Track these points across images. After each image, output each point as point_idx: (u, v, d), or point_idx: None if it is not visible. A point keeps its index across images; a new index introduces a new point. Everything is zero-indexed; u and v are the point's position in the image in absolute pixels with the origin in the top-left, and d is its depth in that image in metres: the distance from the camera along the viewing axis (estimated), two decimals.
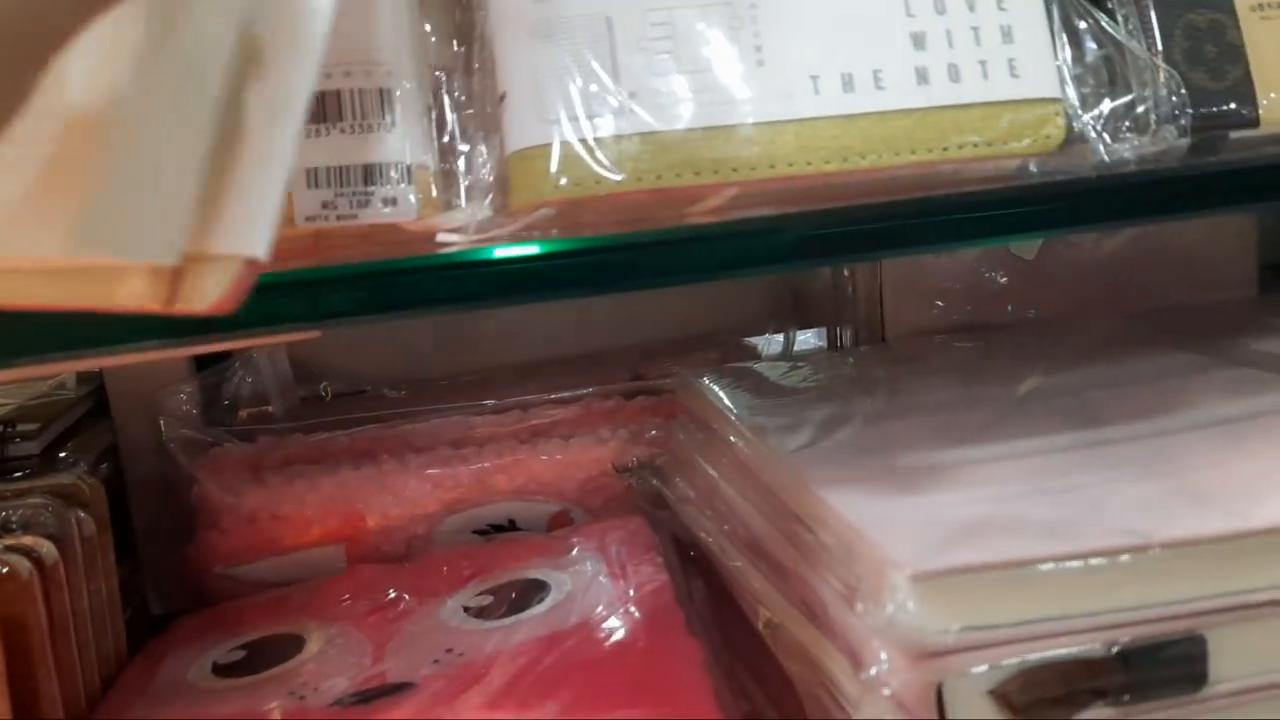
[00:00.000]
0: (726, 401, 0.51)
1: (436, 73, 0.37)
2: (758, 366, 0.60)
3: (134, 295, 0.26)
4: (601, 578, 0.49)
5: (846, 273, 0.65)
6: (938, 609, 0.29)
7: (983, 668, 0.29)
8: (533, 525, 0.60)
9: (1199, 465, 0.35)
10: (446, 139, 0.36)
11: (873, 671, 0.30)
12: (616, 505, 0.60)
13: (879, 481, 0.37)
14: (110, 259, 0.25)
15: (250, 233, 0.26)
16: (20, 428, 0.54)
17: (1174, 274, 0.64)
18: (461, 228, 0.35)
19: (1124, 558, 0.30)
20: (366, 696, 0.42)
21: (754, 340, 0.73)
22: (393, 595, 0.51)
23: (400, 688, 0.42)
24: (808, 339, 0.74)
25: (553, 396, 0.62)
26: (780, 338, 0.74)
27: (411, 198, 0.35)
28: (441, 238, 0.35)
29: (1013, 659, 0.29)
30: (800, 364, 0.59)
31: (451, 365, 0.72)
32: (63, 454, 0.56)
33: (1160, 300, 0.63)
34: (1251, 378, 0.46)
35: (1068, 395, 0.46)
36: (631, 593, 0.47)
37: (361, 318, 0.36)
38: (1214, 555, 0.30)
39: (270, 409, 0.62)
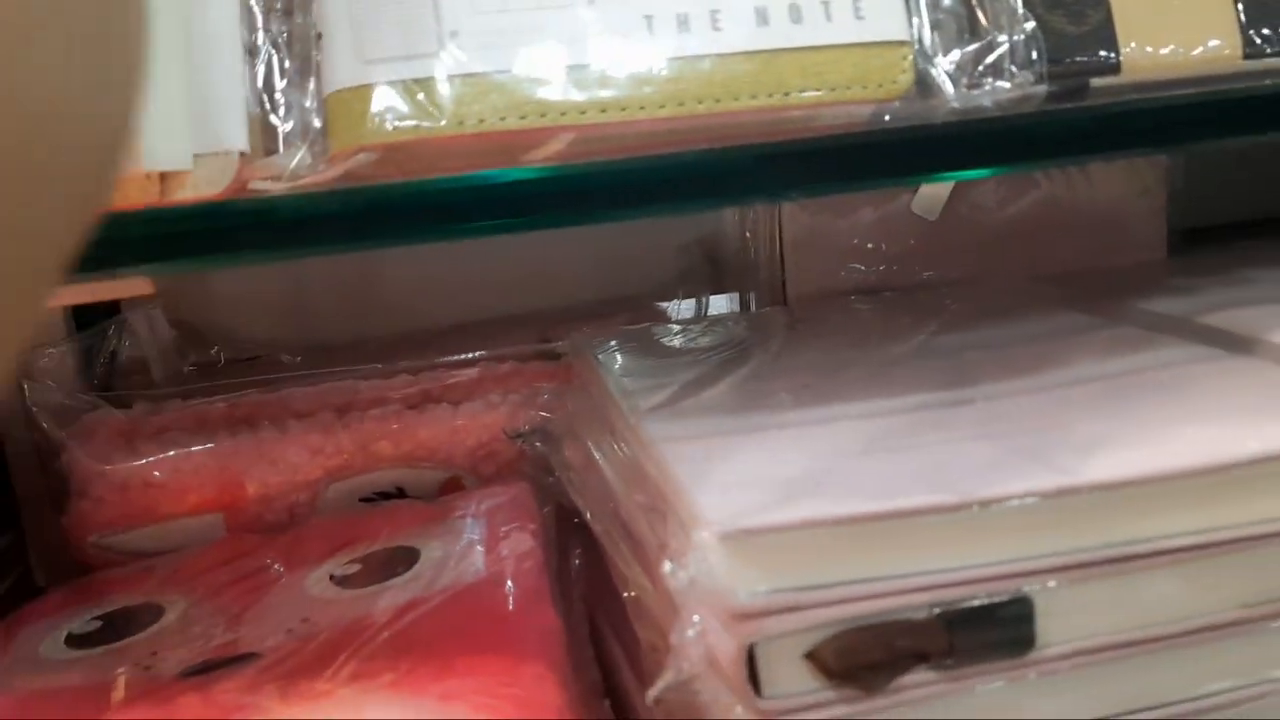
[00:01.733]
0: (605, 363, 0.49)
1: (255, 11, 0.35)
2: (654, 329, 0.59)
3: (134, 195, 0.31)
4: (473, 545, 0.48)
5: (748, 234, 0.64)
6: (748, 568, 0.28)
7: (795, 629, 0.28)
8: (423, 493, 0.58)
9: (1045, 424, 0.34)
10: (263, 83, 0.34)
11: (686, 633, 0.28)
12: (509, 472, 0.58)
13: (718, 439, 0.35)
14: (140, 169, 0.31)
15: (237, 129, 0.32)
16: None
17: (1082, 237, 0.63)
18: (276, 174, 0.33)
19: (938, 517, 0.28)
20: (208, 667, 0.40)
21: (665, 305, 0.72)
22: (263, 564, 0.50)
23: (245, 658, 0.41)
24: (720, 303, 0.72)
25: (444, 360, 0.61)
26: (693, 302, 0.73)
27: None
28: (254, 185, 0.33)
29: (827, 621, 0.28)
30: (696, 326, 0.57)
31: (353, 331, 0.71)
32: None
33: (1068, 264, 0.62)
34: (1134, 337, 0.45)
35: (944, 356, 0.45)
36: (499, 561, 0.45)
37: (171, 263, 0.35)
38: (1039, 512, 0.29)
39: (150, 374, 0.60)
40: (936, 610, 0.29)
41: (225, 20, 0.33)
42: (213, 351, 0.67)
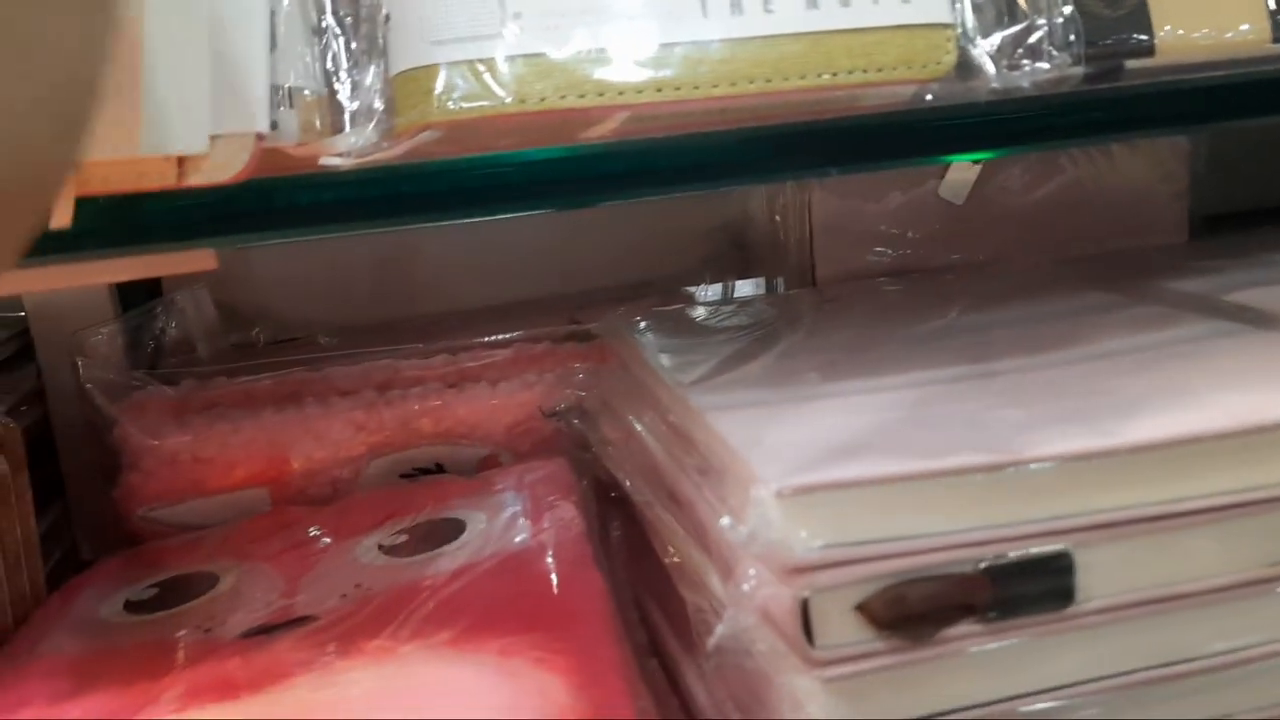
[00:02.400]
0: (643, 341, 0.51)
1: None
2: (687, 310, 0.60)
3: (152, 178, 0.31)
4: (517, 516, 0.49)
5: (778, 218, 0.65)
6: (803, 525, 0.29)
7: (847, 583, 0.29)
8: (461, 469, 0.60)
9: (1080, 391, 0.35)
10: (333, 62, 0.36)
11: (742, 587, 0.30)
12: (545, 449, 0.60)
13: (764, 408, 0.37)
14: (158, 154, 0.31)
15: (256, 110, 0.32)
16: None
17: (1105, 220, 0.64)
18: (344, 151, 0.35)
19: (984, 475, 0.30)
20: (269, 628, 0.42)
21: (693, 289, 0.73)
22: (311, 534, 0.51)
23: (302, 620, 0.42)
24: (746, 288, 0.74)
25: (482, 340, 0.62)
26: (720, 287, 0.74)
27: (293, 122, 0.35)
28: (324, 161, 0.35)
29: (877, 575, 0.30)
30: (727, 307, 0.59)
31: (389, 313, 0.72)
32: None
33: (1091, 246, 0.63)
34: (1158, 314, 0.46)
35: (973, 332, 0.46)
36: (543, 530, 0.47)
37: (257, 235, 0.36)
38: (1081, 472, 0.30)
39: (197, 353, 0.62)
40: (982, 564, 0.30)
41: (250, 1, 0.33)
42: (253, 333, 0.68)
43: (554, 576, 0.42)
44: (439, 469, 0.60)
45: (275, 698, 0.35)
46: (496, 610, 0.40)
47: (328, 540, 0.51)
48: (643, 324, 0.55)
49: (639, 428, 0.47)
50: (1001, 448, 0.31)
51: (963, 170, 0.61)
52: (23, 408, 0.59)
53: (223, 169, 0.32)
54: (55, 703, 0.38)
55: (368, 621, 0.40)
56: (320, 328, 0.69)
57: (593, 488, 0.53)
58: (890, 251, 0.63)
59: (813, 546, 0.29)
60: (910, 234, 0.63)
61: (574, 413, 0.59)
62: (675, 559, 0.42)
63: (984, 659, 0.30)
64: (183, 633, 0.43)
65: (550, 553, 0.45)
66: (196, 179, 0.32)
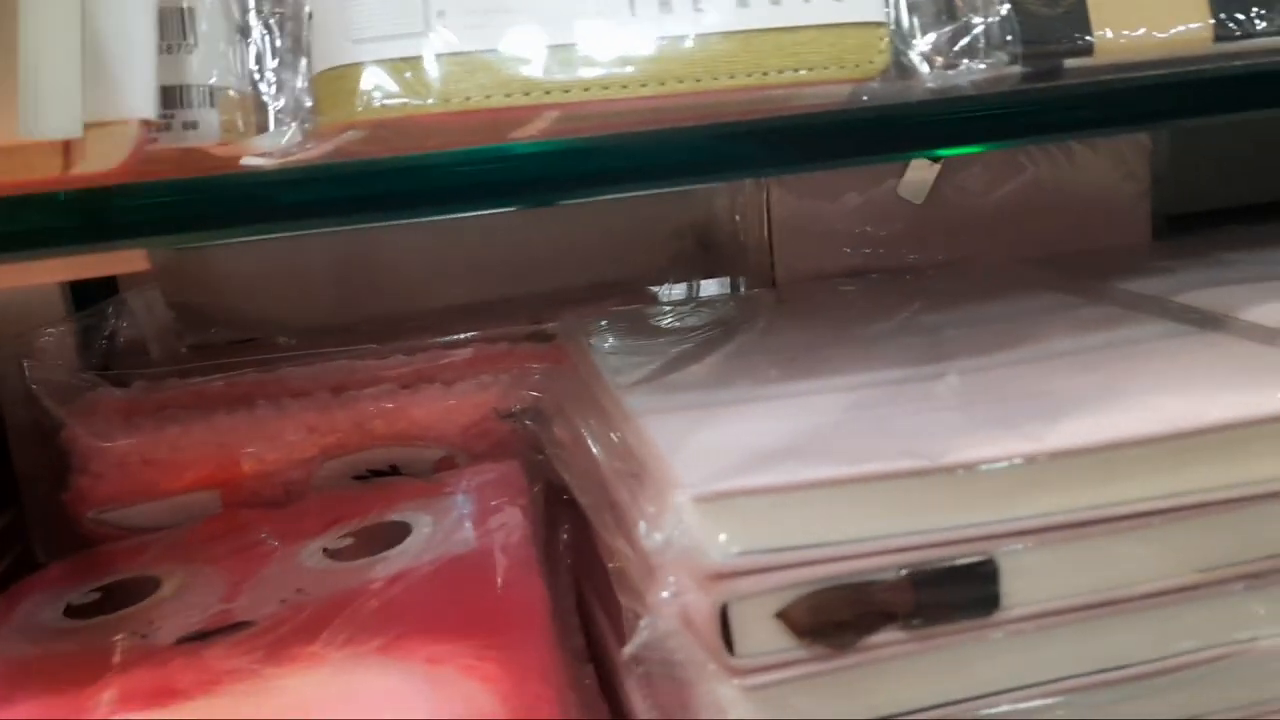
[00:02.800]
0: (593, 343, 0.50)
1: None
2: (645, 311, 0.60)
3: (39, 168, 0.30)
4: (463, 519, 0.49)
5: (738, 218, 0.65)
6: (721, 530, 0.29)
7: (766, 590, 0.29)
8: (417, 471, 0.59)
9: (1019, 394, 0.35)
10: (256, 61, 0.35)
11: (661, 594, 0.29)
12: (501, 451, 0.59)
13: (698, 411, 0.36)
14: (26, 139, 0.29)
15: (140, 97, 0.30)
16: None
17: (1067, 221, 0.64)
18: (267, 151, 0.34)
19: (909, 480, 0.29)
20: (204, 634, 0.41)
21: (657, 289, 0.73)
22: (259, 538, 0.51)
23: (239, 626, 0.42)
24: (712, 288, 0.73)
25: (439, 341, 0.62)
26: (684, 287, 0.74)
27: (214, 121, 0.34)
28: (246, 161, 0.34)
29: (798, 581, 0.29)
30: (685, 308, 0.58)
31: (350, 314, 0.72)
32: None
33: (1053, 247, 0.62)
34: (1110, 314, 0.46)
35: (925, 333, 0.45)
36: (488, 534, 0.46)
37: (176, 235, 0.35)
38: (1005, 478, 0.30)
39: (150, 354, 0.61)
40: (904, 571, 0.30)
41: None
42: (210, 333, 0.68)
43: (494, 582, 0.42)
44: (394, 470, 0.59)
45: (206, 705, 0.35)
46: (431, 616, 0.39)
47: (276, 544, 0.50)
48: (600, 325, 0.55)
49: (584, 432, 0.46)
50: (928, 452, 0.30)
51: (921, 169, 0.60)
52: None
53: (104, 158, 0.31)
54: None
55: (302, 628, 0.40)
56: (279, 329, 0.69)
57: (545, 491, 0.52)
58: (851, 251, 0.63)
59: (730, 553, 0.28)
60: (870, 234, 0.62)
61: (529, 414, 0.58)
62: (614, 564, 0.41)
63: (909, 666, 0.30)
64: (119, 638, 0.42)
65: (493, 558, 0.44)
66: (82, 168, 0.31)
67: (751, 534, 0.29)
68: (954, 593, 0.30)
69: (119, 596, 0.47)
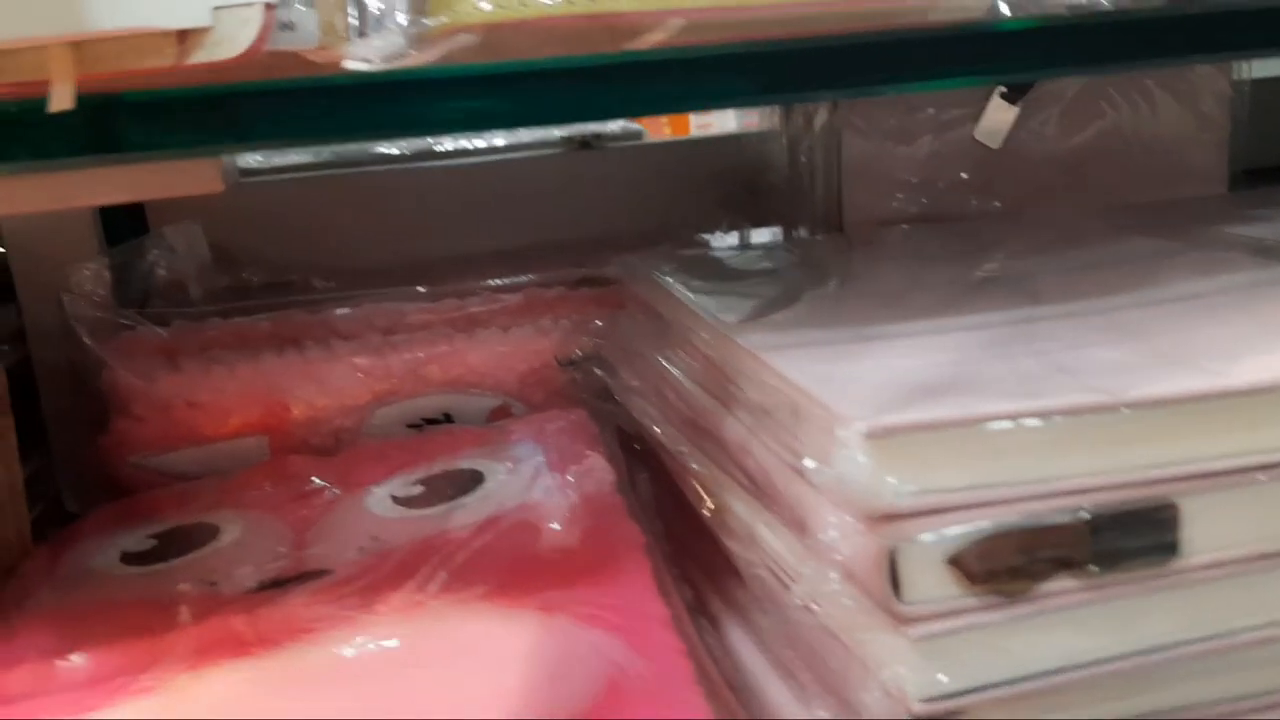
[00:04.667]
0: (674, 283, 0.48)
1: None
2: (711, 253, 0.57)
3: (158, 55, 0.27)
4: (540, 468, 0.46)
5: (803, 160, 0.62)
6: (892, 469, 0.26)
7: (940, 533, 0.27)
8: (470, 420, 0.57)
9: (1169, 331, 0.33)
10: None
11: (820, 537, 0.27)
12: (558, 399, 0.57)
13: (826, 348, 0.34)
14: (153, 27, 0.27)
15: None
16: None
17: (1141, 169, 0.61)
18: (370, 56, 0.31)
19: (1092, 416, 0.27)
20: (280, 582, 0.39)
21: (707, 237, 0.70)
22: (317, 485, 0.48)
23: (317, 574, 0.39)
24: (763, 235, 0.71)
25: (492, 284, 0.59)
26: (734, 235, 0.71)
27: (311, 23, 0.31)
28: (348, 65, 0.31)
29: (973, 524, 0.27)
30: (753, 251, 0.56)
31: (385, 258, 0.69)
32: None
33: (1127, 195, 0.60)
34: (1221, 259, 0.44)
35: (1033, 275, 0.43)
36: (571, 482, 0.44)
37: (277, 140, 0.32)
38: (1189, 416, 0.28)
39: (189, 293, 0.58)
40: (1083, 514, 0.27)
41: None
42: (242, 275, 0.64)
43: (591, 529, 0.40)
44: (447, 419, 0.57)
45: (295, 653, 0.32)
46: (530, 564, 0.37)
47: (335, 491, 0.48)
48: (667, 267, 0.52)
49: (675, 373, 0.44)
50: (1109, 388, 0.28)
51: (1000, 111, 0.58)
52: (2, 348, 0.55)
53: (227, 44, 0.28)
54: (50, 658, 0.35)
55: (391, 575, 0.38)
56: (315, 270, 0.66)
57: (615, 438, 0.50)
58: (921, 197, 0.60)
59: (904, 492, 0.26)
60: (943, 179, 0.60)
61: (592, 360, 0.56)
62: (715, 511, 0.39)
63: (1080, 616, 0.28)
64: (186, 586, 0.40)
65: (584, 505, 0.42)
66: (200, 56, 0.28)
67: (925, 473, 0.27)
68: (1132, 538, 0.28)
69: (177, 544, 0.45)
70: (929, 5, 0.34)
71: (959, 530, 0.27)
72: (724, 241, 0.70)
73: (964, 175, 0.60)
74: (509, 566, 0.37)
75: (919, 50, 0.33)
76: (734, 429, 0.36)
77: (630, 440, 0.50)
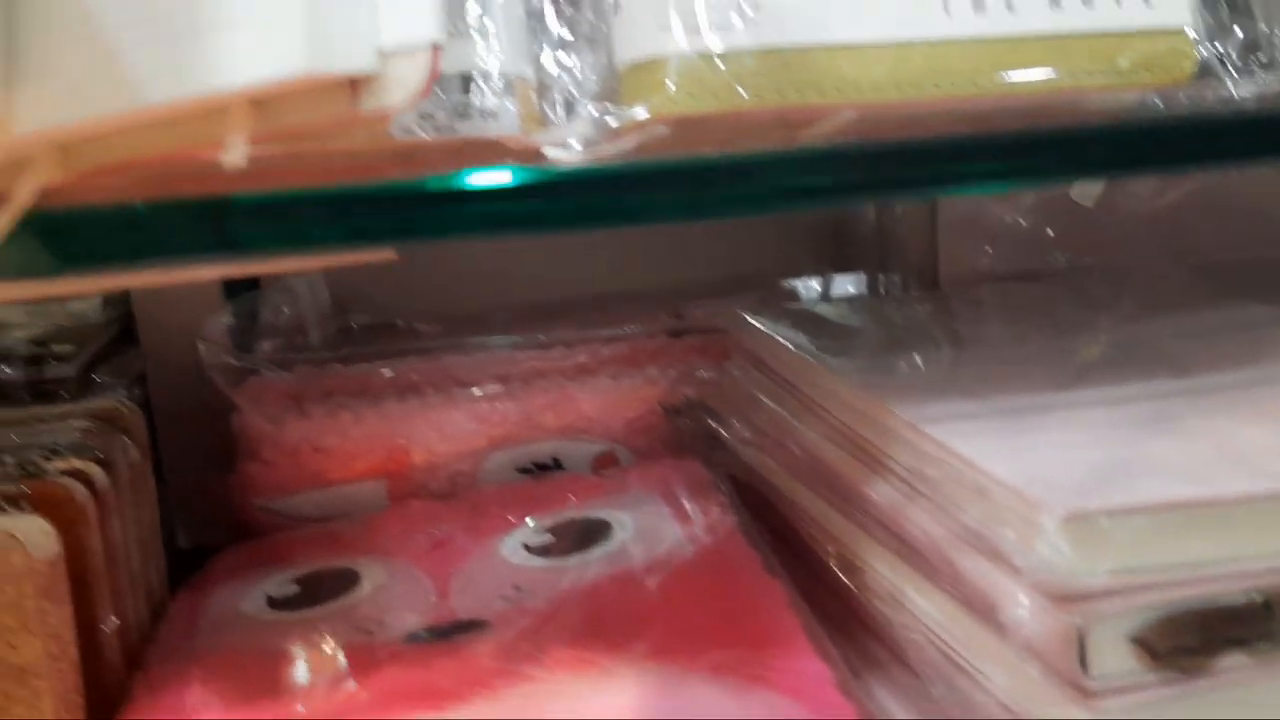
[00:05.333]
0: (790, 339, 0.50)
1: None
2: (812, 307, 0.59)
3: (332, 105, 0.26)
4: (665, 518, 0.48)
5: (898, 211, 0.64)
6: (1085, 551, 0.28)
7: (1126, 611, 0.28)
8: (577, 465, 0.59)
9: None
10: (546, 49, 0.34)
11: (1011, 614, 0.29)
12: (662, 446, 0.59)
13: (982, 421, 0.35)
14: (330, 73, 0.25)
15: (425, 18, 0.25)
16: (55, 349, 0.52)
17: (1237, 227, 0.63)
18: (567, 144, 0.33)
19: (1268, 503, 0.29)
20: (441, 633, 0.41)
21: (793, 282, 0.72)
22: (446, 532, 0.50)
23: (473, 626, 0.41)
24: (847, 283, 0.72)
25: (600, 333, 0.61)
26: (818, 282, 0.73)
27: (512, 110, 0.33)
28: (549, 153, 0.33)
29: (1156, 603, 0.28)
30: (856, 305, 0.57)
31: (482, 301, 0.70)
32: (96, 379, 0.54)
33: (1221, 254, 0.62)
34: None
35: (1147, 344, 0.45)
36: (700, 534, 0.46)
37: (451, 236, 0.34)
38: None
39: (308, 338, 0.60)
40: (1255, 597, 0.29)
41: None
42: (349, 318, 0.66)
43: (731, 585, 0.41)
44: (556, 464, 0.59)
45: (488, 708, 0.34)
46: (684, 621, 0.39)
47: (465, 538, 0.49)
48: (777, 321, 0.54)
49: (801, 429, 0.46)
50: (1274, 472, 0.29)
51: None
52: (132, 390, 0.57)
53: (398, 89, 0.26)
54: (233, 706, 0.37)
55: (549, 629, 0.39)
56: (413, 314, 0.67)
57: (733, 489, 0.52)
58: (1014, 253, 0.62)
59: (1098, 574, 0.28)
60: (1037, 235, 0.61)
61: (699, 409, 0.58)
62: (853, 569, 0.41)
63: (1251, 691, 0.29)
64: (342, 632, 0.42)
65: (718, 559, 0.43)
66: (371, 103, 0.26)
67: (1116, 554, 0.28)
68: None
69: (319, 589, 0.46)
70: (1094, 98, 0.35)
71: (1145, 610, 0.28)
72: (811, 288, 0.72)
73: (1056, 232, 0.62)
74: (663, 623, 0.38)
75: (1076, 144, 0.35)
76: (883, 493, 0.38)
77: (740, 489, 0.52)
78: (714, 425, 0.55)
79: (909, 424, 0.36)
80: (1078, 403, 0.37)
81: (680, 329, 0.62)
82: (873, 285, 0.70)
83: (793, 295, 0.71)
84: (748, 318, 0.56)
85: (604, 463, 0.59)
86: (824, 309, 0.57)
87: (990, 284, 0.60)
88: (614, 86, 0.34)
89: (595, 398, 0.58)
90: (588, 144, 0.33)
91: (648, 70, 0.33)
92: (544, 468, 0.58)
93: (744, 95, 0.32)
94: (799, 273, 0.73)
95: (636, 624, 0.39)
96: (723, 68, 0.32)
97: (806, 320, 0.54)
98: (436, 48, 0.26)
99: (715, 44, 0.32)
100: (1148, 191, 0.62)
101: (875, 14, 0.33)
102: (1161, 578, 0.28)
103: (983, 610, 0.31)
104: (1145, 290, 0.54)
